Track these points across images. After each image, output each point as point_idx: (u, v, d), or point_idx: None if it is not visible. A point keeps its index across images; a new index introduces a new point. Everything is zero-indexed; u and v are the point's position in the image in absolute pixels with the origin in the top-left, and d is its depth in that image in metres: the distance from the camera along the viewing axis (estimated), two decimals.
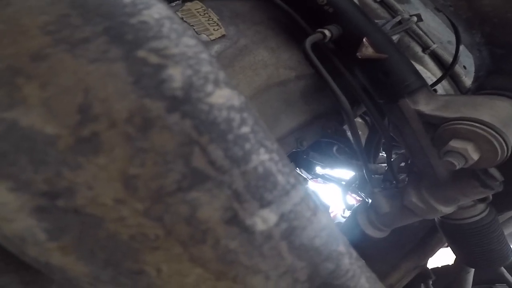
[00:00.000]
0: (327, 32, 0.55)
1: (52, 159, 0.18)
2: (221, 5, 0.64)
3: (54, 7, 0.19)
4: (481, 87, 0.54)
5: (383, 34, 0.57)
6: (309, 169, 1.08)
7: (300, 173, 1.13)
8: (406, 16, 0.83)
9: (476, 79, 0.57)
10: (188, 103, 0.19)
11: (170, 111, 0.18)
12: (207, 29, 0.60)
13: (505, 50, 0.50)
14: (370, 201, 0.67)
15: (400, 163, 0.65)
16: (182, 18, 0.59)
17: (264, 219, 0.20)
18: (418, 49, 0.96)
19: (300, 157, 0.97)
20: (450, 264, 0.84)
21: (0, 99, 0.18)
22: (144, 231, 0.19)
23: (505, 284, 0.82)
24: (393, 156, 0.66)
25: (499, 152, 0.44)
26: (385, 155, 0.67)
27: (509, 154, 0.45)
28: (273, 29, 0.65)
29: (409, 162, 0.64)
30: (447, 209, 0.56)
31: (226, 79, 0.21)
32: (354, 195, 1.34)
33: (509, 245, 0.61)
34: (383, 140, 0.74)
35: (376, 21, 0.62)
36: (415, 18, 0.78)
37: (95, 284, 0.21)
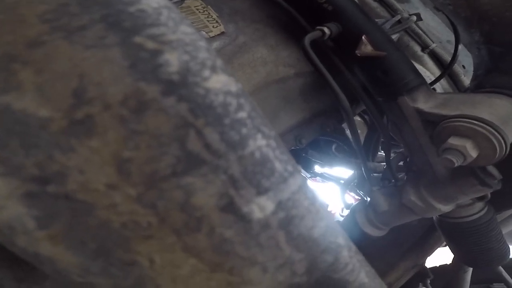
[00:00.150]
0: (326, 30, 0.55)
1: (44, 142, 0.17)
2: (220, 3, 0.64)
3: None
4: (480, 85, 0.54)
5: (382, 32, 0.57)
6: (307, 167, 1.08)
7: None
8: (406, 15, 0.83)
9: (475, 77, 0.57)
10: (184, 87, 0.18)
11: (165, 94, 0.18)
12: (206, 26, 0.60)
13: (504, 48, 0.50)
14: (368, 199, 0.67)
15: (399, 161, 0.65)
16: None
17: (261, 207, 0.19)
18: (418, 48, 0.97)
19: (299, 155, 0.97)
20: (448, 263, 0.83)
21: None
22: (137, 219, 0.18)
23: (503, 284, 0.82)
24: (392, 154, 0.65)
25: (497, 149, 0.44)
26: (384, 153, 0.67)
27: (507, 152, 0.45)
28: (272, 26, 0.65)
29: (407, 160, 0.63)
30: (445, 208, 0.56)
31: (223, 65, 0.21)
32: (352, 193, 1.34)
33: (507, 244, 0.61)
34: (382, 139, 0.74)
35: (375, 20, 0.62)
36: (414, 17, 0.78)
37: (85, 277, 0.21)
